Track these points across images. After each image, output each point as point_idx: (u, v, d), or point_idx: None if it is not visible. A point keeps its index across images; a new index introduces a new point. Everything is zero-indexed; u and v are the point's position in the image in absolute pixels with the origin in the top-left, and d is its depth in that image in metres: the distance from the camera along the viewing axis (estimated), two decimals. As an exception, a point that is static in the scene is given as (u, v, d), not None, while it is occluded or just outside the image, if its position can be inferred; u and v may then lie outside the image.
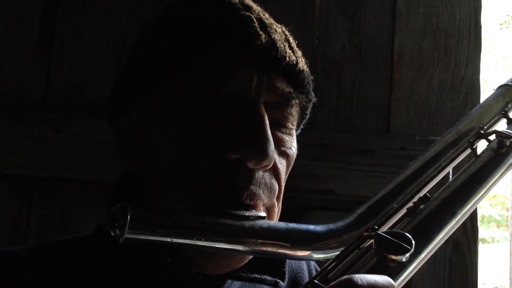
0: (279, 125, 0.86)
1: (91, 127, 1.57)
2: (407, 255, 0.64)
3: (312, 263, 1.05)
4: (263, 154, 0.77)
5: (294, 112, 0.88)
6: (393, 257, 0.64)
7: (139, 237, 0.66)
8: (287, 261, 0.94)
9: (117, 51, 1.68)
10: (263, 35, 0.82)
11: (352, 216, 0.77)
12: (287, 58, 0.84)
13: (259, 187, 0.80)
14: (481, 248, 1.65)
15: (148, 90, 0.86)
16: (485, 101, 0.93)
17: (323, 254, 0.76)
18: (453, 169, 0.89)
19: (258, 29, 0.83)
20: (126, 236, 0.65)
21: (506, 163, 0.82)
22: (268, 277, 0.90)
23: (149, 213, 0.68)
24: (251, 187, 0.79)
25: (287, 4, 1.71)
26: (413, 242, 0.65)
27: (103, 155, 1.53)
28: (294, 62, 0.86)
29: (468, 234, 1.60)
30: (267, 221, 0.78)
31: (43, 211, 1.60)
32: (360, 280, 0.57)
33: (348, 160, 1.60)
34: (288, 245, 0.75)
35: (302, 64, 0.88)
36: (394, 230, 0.69)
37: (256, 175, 0.80)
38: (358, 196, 1.54)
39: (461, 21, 1.73)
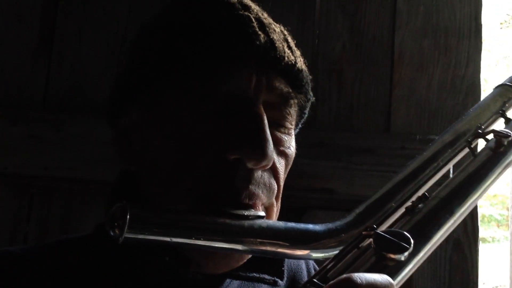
0: (278, 124, 0.86)
1: (91, 126, 1.57)
2: (406, 254, 0.64)
3: (311, 262, 1.05)
4: (262, 154, 0.77)
5: (293, 111, 0.88)
6: (392, 256, 0.64)
7: (138, 236, 0.66)
8: (286, 260, 0.94)
9: (117, 51, 1.68)
10: (262, 35, 0.82)
11: (351, 216, 0.78)
12: (286, 58, 0.84)
13: (258, 186, 0.80)
14: (482, 247, 1.65)
15: (148, 90, 0.86)
16: (483, 101, 0.93)
17: (322, 253, 0.76)
18: (452, 168, 0.89)
19: (257, 29, 0.83)
20: (126, 235, 0.65)
21: (504, 162, 0.82)
22: (267, 276, 0.90)
23: (148, 212, 0.68)
24: (250, 186, 0.79)
25: (287, 4, 1.71)
26: (412, 241, 0.65)
27: (103, 154, 1.53)
28: (293, 61, 0.86)
29: (469, 234, 1.60)
30: (266, 221, 0.78)
31: (43, 210, 1.60)
32: (359, 279, 0.57)
33: (348, 159, 1.60)
34: (287, 244, 0.75)
35: (301, 63, 0.88)
36: (392, 229, 0.69)
37: (255, 175, 0.80)
38: (359, 195, 1.54)
39: (462, 20, 1.73)
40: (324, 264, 0.68)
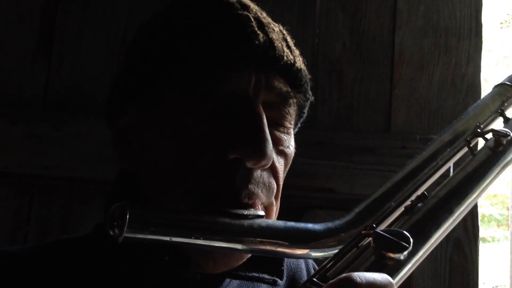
0: (277, 124, 0.86)
1: (91, 126, 1.58)
2: (405, 253, 0.64)
3: (310, 262, 1.05)
4: (262, 153, 0.77)
5: (292, 111, 0.88)
6: (391, 255, 0.64)
7: (138, 236, 0.66)
8: (286, 259, 0.94)
9: (117, 51, 1.69)
10: (261, 35, 0.82)
11: (350, 215, 0.77)
12: (285, 58, 0.84)
13: (258, 186, 0.80)
14: (482, 247, 1.65)
15: (148, 90, 0.86)
16: (482, 100, 0.93)
17: (322, 252, 0.76)
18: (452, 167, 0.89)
19: (256, 29, 0.83)
20: (125, 235, 0.65)
21: (503, 161, 0.82)
22: (266, 276, 0.90)
23: (147, 212, 0.68)
24: (249, 186, 0.79)
25: (287, 3, 1.71)
26: (411, 240, 0.65)
27: (103, 154, 1.53)
28: (292, 61, 0.86)
29: (469, 233, 1.60)
30: (266, 220, 0.78)
31: (43, 210, 1.60)
32: (359, 278, 0.57)
33: (348, 158, 1.60)
34: (287, 243, 0.75)
35: (300, 63, 0.88)
36: (392, 228, 0.69)
37: (255, 175, 0.80)
38: (359, 195, 1.54)
39: (462, 19, 1.73)
40: (324, 263, 0.68)
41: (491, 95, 0.93)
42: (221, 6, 0.85)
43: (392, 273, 0.63)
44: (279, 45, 0.84)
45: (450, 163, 0.85)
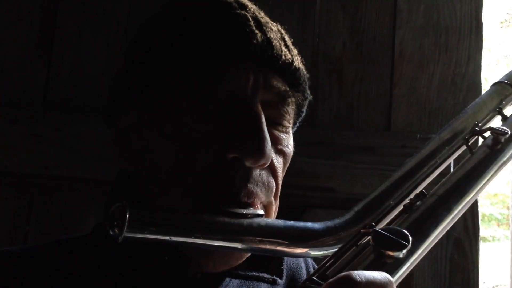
0: (275, 123, 0.86)
1: (91, 126, 1.58)
2: (404, 251, 0.65)
3: (310, 261, 1.05)
4: (260, 153, 0.77)
5: (290, 110, 0.88)
6: (391, 253, 0.64)
7: (137, 235, 0.66)
8: (285, 258, 0.94)
9: (117, 51, 1.69)
10: (259, 34, 0.82)
11: (350, 214, 0.77)
12: (283, 57, 0.84)
13: (257, 185, 0.80)
14: (482, 246, 1.65)
15: (147, 90, 0.86)
16: (480, 99, 0.93)
17: (321, 251, 0.76)
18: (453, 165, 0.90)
19: (254, 28, 0.83)
20: (125, 235, 0.65)
21: (501, 160, 0.83)
22: (266, 275, 0.90)
23: (147, 212, 0.68)
24: (248, 185, 0.79)
25: (287, 3, 1.71)
26: (410, 238, 0.65)
27: (103, 154, 1.53)
28: (290, 60, 0.86)
29: (470, 233, 1.60)
30: (265, 219, 0.78)
31: (43, 210, 1.60)
32: (359, 276, 0.58)
33: (349, 158, 1.60)
34: (286, 242, 0.75)
35: (298, 62, 0.88)
36: (391, 226, 0.69)
37: (254, 174, 0.80)
38: (359, 194, 1.53)
39: (462, 18, 1.73)
40: (323, 262, 0.68)
41: (489, 94, 0.94)
42: (219, 6, 0.85)
43: (392, 271, 0.63)
44: (277, 44, 0.84)
45: (449, 162, 0.85)
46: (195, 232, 0.71)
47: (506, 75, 0.96)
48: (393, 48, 1.72)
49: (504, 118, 0.91)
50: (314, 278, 0.65)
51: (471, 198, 0.77)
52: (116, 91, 0.91)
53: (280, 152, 0.87)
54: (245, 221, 0.74)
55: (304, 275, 0.99)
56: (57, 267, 0.86)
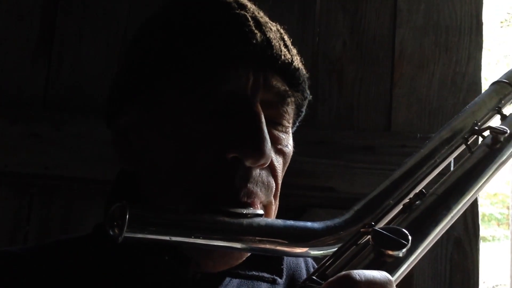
0: (275, 123, 0.86)
1: (91, 126, 1.58)
2: (404, 250, 0.65)
3: (310, 261, 1.05)
4: (260, 152, 0.78)
5: (290, 110, 0.88)
6: (390, 252, 0.64)
7: (137, 236, 0.66)
8: (285, 258, 0.94)
9: (117, 51, 1.69)
10: (258, 34, 0.82)
11: (349, 213, 0.77)
12: (283, 57, 0.84)
13: (256, 185, 0.81)
14: (482, 246, 1.65)
15: (147, 90, 0.86)
16: (479, 98, 0.93)
17: (321, 250, 0.76)
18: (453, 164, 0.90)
19: (253, 28, 0.83)
20: (125, 235, 0.65)
21: (501, 159, 0.82)
22: (266, 275, 0.90)
23: (147, 212, 0.69)
24: (248, 185, 0.79)
25: (287, 3, 1.71)
26: (410, 237, 0.65)
27: (103, 154, 1.53)
28: (289, 60, 0.86)
29: (470, 232, 1.60)
30: (265, 219, 0.78)
31: (43, 210, 1.60)
32: (359, 275, 0.58)
33: (349, 157, 1.60)
34: (286, 242, 0.75)
35: (297, 62, 0.88)
36: (390, 226, 0.69)
37: (253, 174, 0.80)
38: (359, 193, 1.52)
39: (463, 17, 1.73)
40: (323, 262, 0.68)
41: (488, 93, 0.94)
42: (219, 6, 0.85)
43: (391, 271, 0.63)
44: (277, 44, 0.84)
45: (448, 161, 0.85)
46: (195, 232, 0.71)
47: (505, 74, 0.96)
48: (393, 48, 1.72)
49: (503, 117, 0.91)
50: (314, 277, 0.65)
51: (470, 197, 0.77)
52: (116, 91, 0.91)
53: (280, 152, 0.87)
54: (245, 221, 0.74)
55: (304, 275, 1.00)
56: (57, 267, 0.86)
